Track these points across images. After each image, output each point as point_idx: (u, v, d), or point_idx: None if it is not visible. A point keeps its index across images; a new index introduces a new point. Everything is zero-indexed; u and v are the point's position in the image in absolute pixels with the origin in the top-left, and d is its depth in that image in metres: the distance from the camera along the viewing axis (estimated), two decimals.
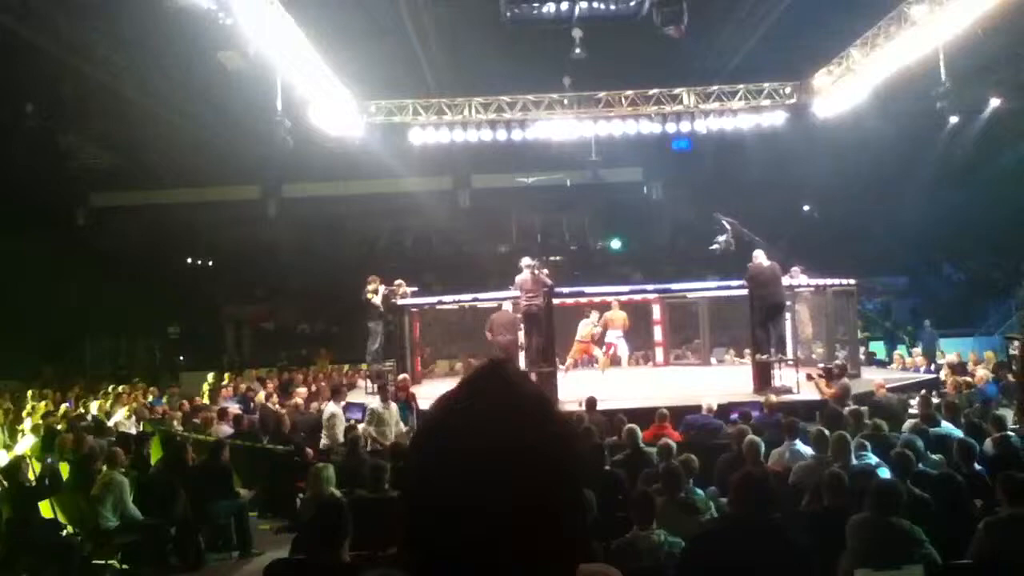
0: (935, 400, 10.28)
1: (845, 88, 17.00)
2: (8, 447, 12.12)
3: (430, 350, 17.66)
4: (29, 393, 15.67)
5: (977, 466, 6.54)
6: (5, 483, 8.48)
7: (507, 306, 14.32)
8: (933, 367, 15.70)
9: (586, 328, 15.78)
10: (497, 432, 0.98)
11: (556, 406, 1.06)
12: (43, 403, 14.61)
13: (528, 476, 0.97)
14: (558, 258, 24.51)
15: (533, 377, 11.68)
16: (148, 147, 21.38)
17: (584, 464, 1.02)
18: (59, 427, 11.59)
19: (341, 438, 10.26)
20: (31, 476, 8.96)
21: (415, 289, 15.10)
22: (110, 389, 15.80)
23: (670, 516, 5.51)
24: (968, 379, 12.39)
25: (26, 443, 11.66)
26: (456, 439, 0.99)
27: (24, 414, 13.84)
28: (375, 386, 14.09)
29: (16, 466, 8.51)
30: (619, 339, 16.21)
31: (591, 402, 10.04)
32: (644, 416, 9.25)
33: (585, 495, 1.10)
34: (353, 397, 14.17)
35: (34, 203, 21.29)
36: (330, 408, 11.37)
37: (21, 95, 17.29)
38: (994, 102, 19.89)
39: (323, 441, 10.77)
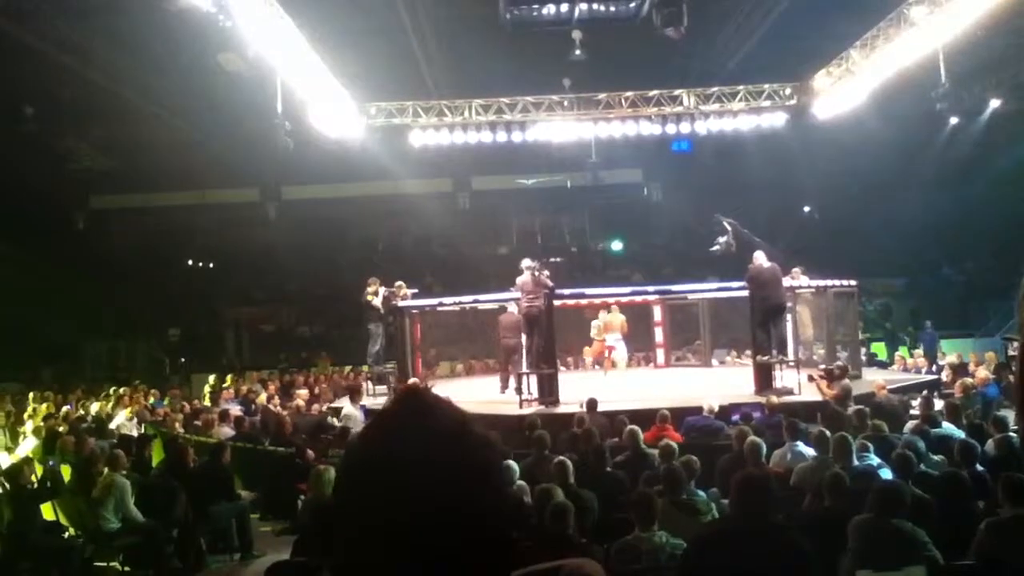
0: (936, 401, 10.28)
1: (845, 89, 17.02)
2: (9, 449, 12.13)
3: (435, 351, 17.65)
4: (30, 396, 15.68)
5: (979, 467, 6.54)
6: (7, 486, 8.48)
7: (512, 308, 14.39)
8: (934, 368, 15.70)
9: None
10: (414, 448, 1.05)
11: (472, 423, 1.12)
12: (44, 405, 14.62)
13: (445, 488, 1.03)
14: (558, 259, 24.49)
15: (535, 379, 11.77)
16: (148, 150, 21.36)
17: (499, 476, 1.11)
18: (60, 429, 11.59)
19: None
20: (33, 479, 8.95)
21: (415, 291, 15.11)
22: (111, 391, 15.81)
23: (671, 518, 5.51)
24: (970, 380, 12.38)
25: (27, 445, 11.66)
26: (376, 457, 1.07)
27: (26, 416, 13.85)
28: (375, 388, 14.12)
29: (18, 469, 8.51)
30: (618, 341, 16.26)
31: (592, 403, 10.03)
32: (645, 417, 9.25)
33: (506, 505, 1.17)
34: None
35: (34, 206, 21.30)
36: (347, 409, 11.39)
37: (20, 98, 17.29)
38: (994, 103, 19.88)
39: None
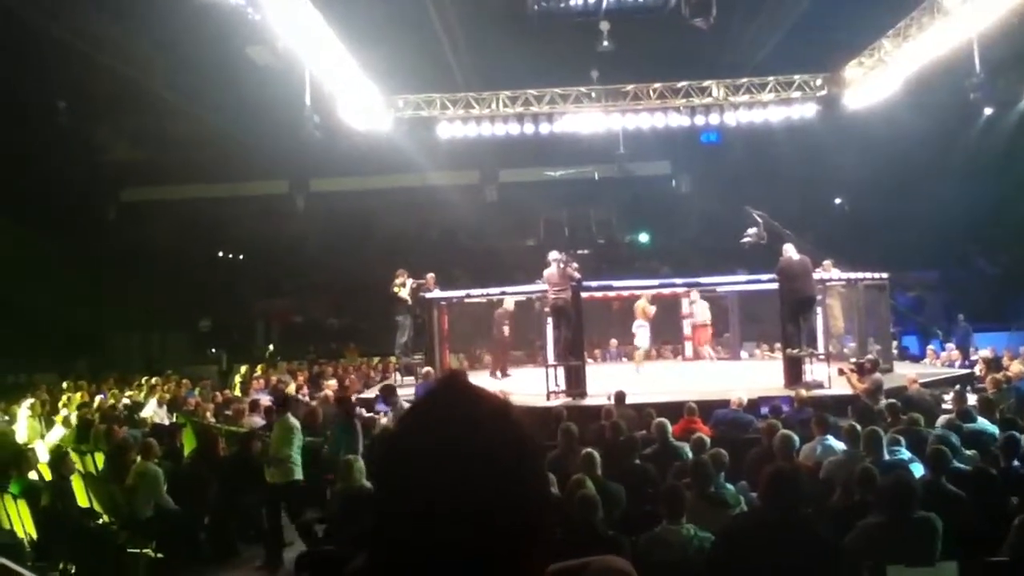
0: (970, 395, 10.14)
1: (877, 80, 16.78)
2: (45, 438, 12.33)
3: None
4: (64, 385, 15.93)
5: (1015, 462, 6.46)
6: (49, 474, 8.64)
7: (508, 303, 15.01)
8: (967, 362, 15.50)
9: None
10: (455, 437, 1.04)
11: (514, 411, 1.11)
12: (78, 395, 14.85)
13: (486, 477, 1.02)
14: (585, 252, 24.43)
15: (561, 371, 11.77)
16: (178, 143, 21.61)
17: (541, 465, 1.10)
18: (93, 418, 11.76)
19: None
20: (79, 467, 9.12)
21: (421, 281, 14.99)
22: (143, 381, 16.01)
23: (700, 511, 5.49)
24: (1005, 375, 12.20)
25: (56, 434, 11.84)
26: (418, 445, 1.06)
27: (60, 406, 14.07)
28: (403, 379, 14.19)
29: (60, 457, 8.66)
30: (640, 328, 15.99)
31: (620, 396, 10.02)
32: (673, 410, 9.22)
33: (546, 495, 1.16)
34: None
35: (66, 199, 21.60)
36: (379, 407, 11.44)
37: (53, 92, 17.53)
38: None
39: None
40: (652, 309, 15.82)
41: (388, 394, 10.95)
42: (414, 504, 1.01)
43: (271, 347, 23.93)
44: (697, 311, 16.76)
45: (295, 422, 8.78)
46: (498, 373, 15.15)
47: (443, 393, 1.12)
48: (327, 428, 10.81)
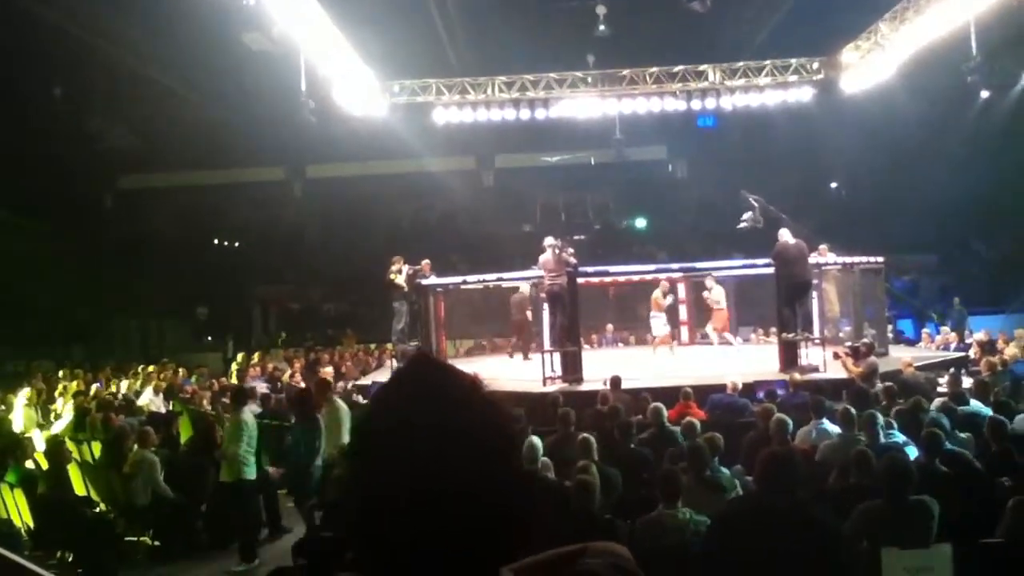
0: (965, 379, 10.18)
1: (873, 63, 16.74)
2: (41, 426, 12.35)
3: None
4: (61, 373, 15.93)
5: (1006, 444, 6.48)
6: (46, 462, 8.66)
7: (524, 288, 14.99)
8: (962, 345, 15.54)
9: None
10: (426, 415, 1.02)
11: (482, 386, 1.10)
12: (75, 383, 14.85)
13: (460, 455, 1.00)
14: (582, 237, 24.39)
15: (557, 357, 11.79)
16: (174, 130, 21.51)
17: (516, 442, 1.08)
18: (90, 407, 11.77)
19: None
20: (76, 455, 9.13)
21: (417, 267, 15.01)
22: (139, 369, 16.03)
23: (696, 494, 5.52)
24: (1001, 358, 12.23)
25: (61, 423, 11.87)
26: (388, 422, 1.04)
27: (56, 394, 14.08)
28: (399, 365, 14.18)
29: (57, 446, 8.67)
30: (654, 319, 15.93)
31: (615, 381, 10.04)
32: (669, 395, 9.26)
33: (521, 469, 1.15)
34: (378, 376, 14.30)
35: (63, 187, 21.52)
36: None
37: (49, 79, 17.44)
38: None
39: None
40: (667, 300, 15.75)
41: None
42: (387, 484, 1.00)
43: (283, 335, 23.99)
44: (714, 295, 16.45)
45: (248, 418, 8.35)
46: (520, 355, 15.38)
47: (412, 372, 1.10)
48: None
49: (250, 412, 8.90)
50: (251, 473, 8.16)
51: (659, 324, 15.60)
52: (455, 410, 1.04)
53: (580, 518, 4.99)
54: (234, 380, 15.24)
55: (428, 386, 1.06)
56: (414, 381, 1.08)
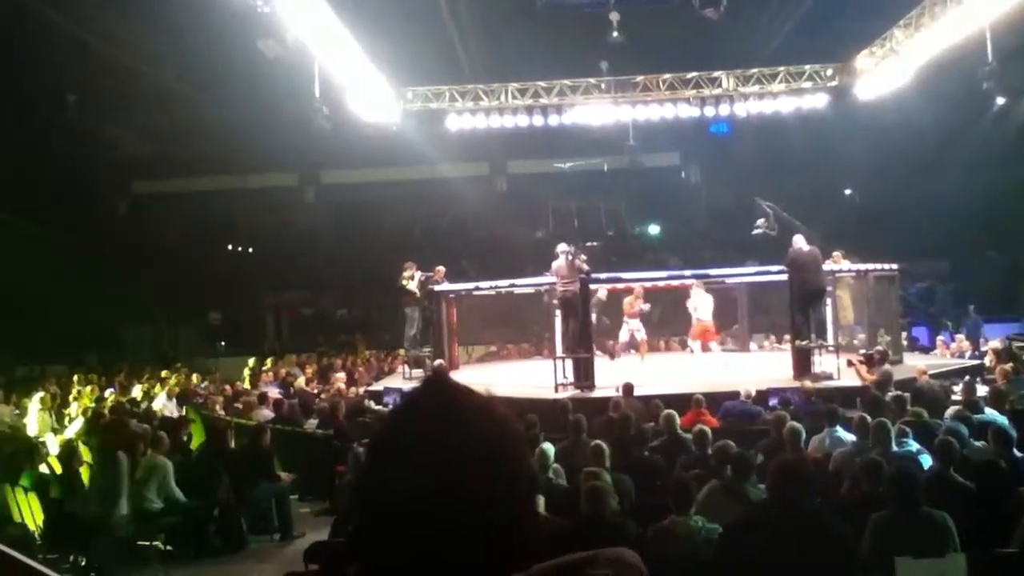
0: (980, 387, 10.10)
1: (888, 70, 16.66)
2: (56, 431, 12.41)
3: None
4: (75, 378, 16.01)
5: (1019, 453, 6.43)
6: (59, 467, 8.70)
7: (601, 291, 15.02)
8: (977, 353, 15.43)
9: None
10: (440, 436, 1.05)
11: (499, 411, 1.12)
12: (89, 388, 14.92)
13: (471, 475, 1.03)
14: (595, 244, 24.36)
15: (569, 363, 11.75)
16: (188, 136, 21.64)
17: (527, 464, 1.12)
18: (104, 412, 11.82)
19: None
20: (88, 460, 9.17)
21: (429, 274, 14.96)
22: (153, 374, 16.09)
23: (720, 501, 5.48)
24: (1015, 366, 12.13)
25: (74, 428, 11.92)
26: (402, 440, 1.07)
27: (71, 399, 14.15)
28: (411, 372, 14.21)
29: (70, 451, 8.71)
30: (624, 325, 15.80)
31: (628, 388, 10.01)
32: (681, 402, 9.23)
33: (532, 492, 1.16)
34: (391, 382, 14.32)
35: (77, 193, 21.66)
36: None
37: (62, 86, 17.57)
38: None
39: None
40: (636, 306, 15.60)
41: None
42: (400, 502, 1.02)
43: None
44: (695, 306, 15.70)
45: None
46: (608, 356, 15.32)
47: (427, 392, 1.13)
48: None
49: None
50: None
51: (624, 331, 15.55)
52: (466, 432, 1.06)
53: (590, 524, 4.98)
54: (247, 385, 15.29)
55: (441, 408, 1.09)
56: (428, 403, 1.11)
